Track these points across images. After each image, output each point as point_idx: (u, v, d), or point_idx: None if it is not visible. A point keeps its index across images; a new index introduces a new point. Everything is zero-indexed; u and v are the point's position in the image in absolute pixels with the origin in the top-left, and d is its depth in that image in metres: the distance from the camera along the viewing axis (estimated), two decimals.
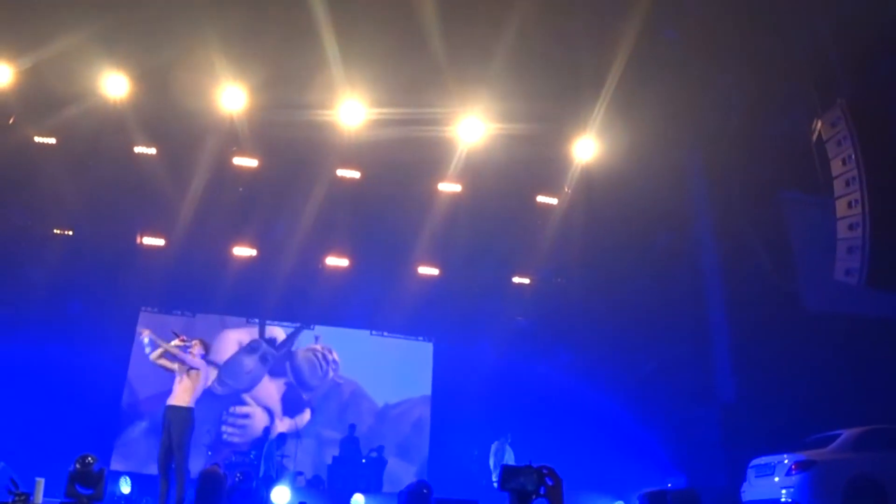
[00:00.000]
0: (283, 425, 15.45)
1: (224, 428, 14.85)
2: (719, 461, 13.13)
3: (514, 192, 14.62)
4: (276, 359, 16.30)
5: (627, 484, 13.03)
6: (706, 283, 14.79)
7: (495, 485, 13.06)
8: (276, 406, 15.96)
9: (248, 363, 16.12)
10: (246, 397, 15.86)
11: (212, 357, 15.53)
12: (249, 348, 16.30)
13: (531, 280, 16.01)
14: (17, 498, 8.82)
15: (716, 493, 11.39)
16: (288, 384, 16.20)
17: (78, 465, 9.46)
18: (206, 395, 15.37)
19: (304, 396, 16.13)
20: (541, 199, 15.05)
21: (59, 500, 9.22)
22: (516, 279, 15.98)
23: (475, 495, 10.65)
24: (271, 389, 16.03)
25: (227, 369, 15.91)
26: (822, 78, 11.55)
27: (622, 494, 13.03)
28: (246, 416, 15.72)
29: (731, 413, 13.71)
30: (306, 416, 15.96)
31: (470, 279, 15.64)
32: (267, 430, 14.99)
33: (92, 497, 9.38)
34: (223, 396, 15.75)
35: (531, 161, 14.11)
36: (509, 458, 13.58)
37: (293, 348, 16.43)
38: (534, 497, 3.57)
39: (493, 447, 13.92)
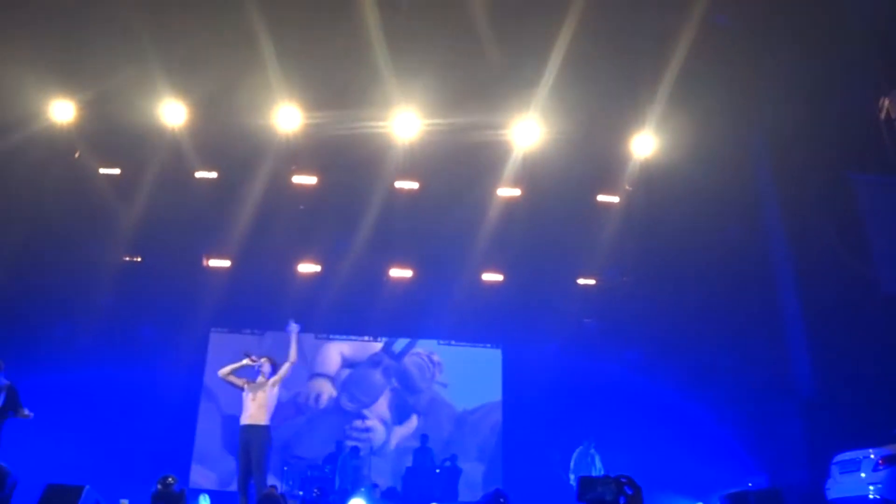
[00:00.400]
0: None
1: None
2: (801, 458, 12.73)
3: (573, 193, 14.49)
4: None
5: (706, 485, 12.79)
6: (778, 272, 14.38)
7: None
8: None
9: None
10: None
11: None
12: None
13: (596, 281, 15.83)
14: None
15: (799, 491, 11.10)
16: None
17: (160, 486, 9.75)
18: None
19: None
20: (601, 198, 14.87)
21: None
22: (581, 280, 15.83)
23: (552, 502, 10.56)
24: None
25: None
26: (886, 54, 11.19)
27: (702, 496, 12.77)
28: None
29: (811, 407, 13.28)
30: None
31: (535, 283, 15.55)
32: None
33: None
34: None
35: (589, 160, 13.98)
36: (596, 464, 13.45)
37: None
38: None
39: (576, 454, 13.78)
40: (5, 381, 10.63)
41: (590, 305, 15.81)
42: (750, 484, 11.42)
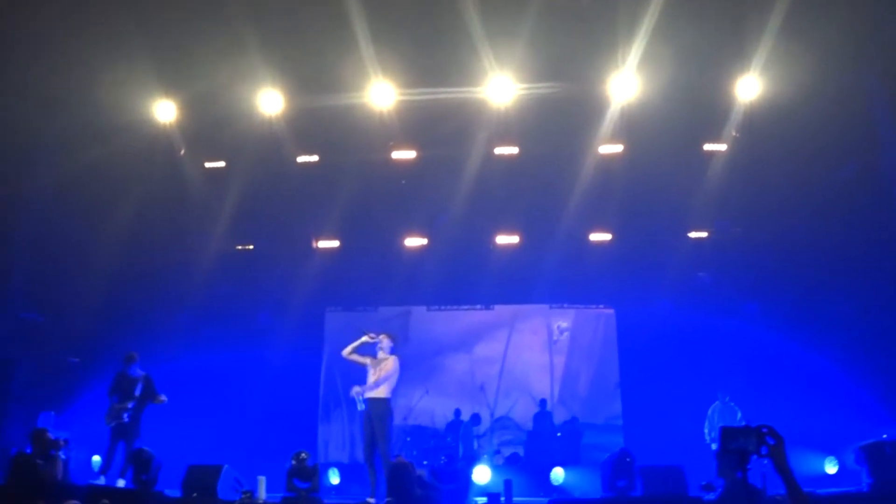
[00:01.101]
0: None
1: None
2: None
3: (678, 144, 14.11)
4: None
5: (837, 438, 12.44)
6: None
7: (713, 447, 12.88)
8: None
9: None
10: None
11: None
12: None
13: (708, 233, 15.41)
14: (243, 496, 9.68)
15: None
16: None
17: (294, 462, 10.30)
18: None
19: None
20: (707, 147, 14.44)
21: (280, 496, 10.01)
22: (692, 234, 15.43)
23: (677, 461, 10.49)
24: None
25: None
26: None
27: (833, 449, 12.42)
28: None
29: None
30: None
31: (644, 240, 15.28)
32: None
33: (309, 490, 10.17)
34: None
35: (691, 108, 13.56)
36: (738, 416, 13.26)
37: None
38: (753, 457, 3.56)
39: (713, 408, 13.60)
40: (141, 372, 11.37)
41: (703, 259, 15.38)
42: (884, 435, 11.02)
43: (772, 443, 3.61)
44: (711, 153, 14.43)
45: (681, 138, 14.09)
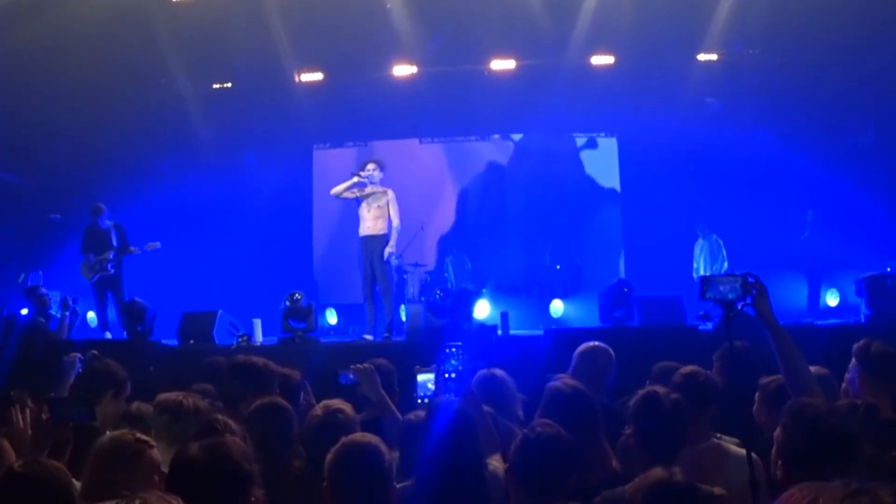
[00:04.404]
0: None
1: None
2: None
3: None
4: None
5: (842, 268, 12.75)
6: None
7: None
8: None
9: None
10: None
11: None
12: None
13: (719, 56, 14.97)
14: (240, 339, 10.14)
15: None
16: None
17: (288, 303, 10.66)
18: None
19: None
20: None
21: (276, 337, 10.45)
22: (702, 56, 14.95)
23: (676, 291, 10.86)
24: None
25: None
26: None
27: (836, 282, 12.77)
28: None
29: None
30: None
31: (649, 63, 14.95)
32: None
33: (305, 330, 10.58)
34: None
35: None
36: (722, 253, 13.60)
37: None
38: (738, 306, 3.65)
39: (698, 247, 13.93)
40: (110, 223, 11.58)
41: (712, 83, 15.07)
42: (889, 268, 11.32)
43: (755, 293, 3.67)
44: None
45: None
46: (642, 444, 3.86)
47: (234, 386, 4.94)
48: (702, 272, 13.72)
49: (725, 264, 13.56)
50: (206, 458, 2.94)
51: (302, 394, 5.28)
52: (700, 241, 14.00)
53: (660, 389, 3.99)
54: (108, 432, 3.61)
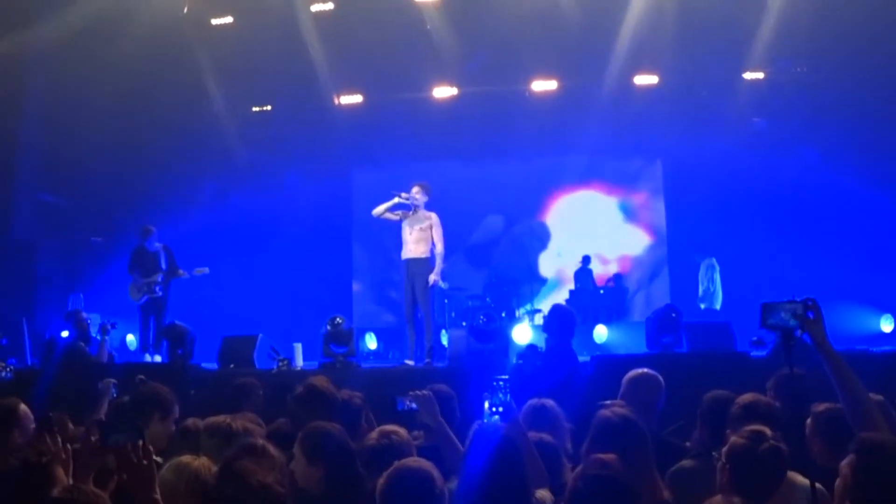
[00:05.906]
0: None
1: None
2: None
3: None
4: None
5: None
6: None
7: (702, 306, 13.43)
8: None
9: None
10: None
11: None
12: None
13: (766, 74, 14.93)
14: (280, 363, 10.20)
15: None
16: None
17: (329, 327, 10.67)
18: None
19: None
20: None
21: (317, 361, 10.50)
22: (748, 75, 14.92)
23: (726, 316, 10.78)
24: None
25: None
26: None
27: (891, 306, 12.57)
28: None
29: None
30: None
31: (694, 82, 14.98)
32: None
33: (346, 354, 10.58)
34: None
35: None
36: (715, 278, 13.53)
37: None
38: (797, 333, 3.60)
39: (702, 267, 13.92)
40: (159, 245, 11.77)
41: (759, 102, 14.99)
42: None
43: (811, 317, 3.61)
44: None
45: None
46: (737, 486, 3.67)
47: (301, 414, 4.98)
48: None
49: (713, 287, 13.57)
50: (220, 480, 3.10)
51: (363, 415, 5.32)
52: (705, 261, 13.94)
53: (766, 431, 3.76)
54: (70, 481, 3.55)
